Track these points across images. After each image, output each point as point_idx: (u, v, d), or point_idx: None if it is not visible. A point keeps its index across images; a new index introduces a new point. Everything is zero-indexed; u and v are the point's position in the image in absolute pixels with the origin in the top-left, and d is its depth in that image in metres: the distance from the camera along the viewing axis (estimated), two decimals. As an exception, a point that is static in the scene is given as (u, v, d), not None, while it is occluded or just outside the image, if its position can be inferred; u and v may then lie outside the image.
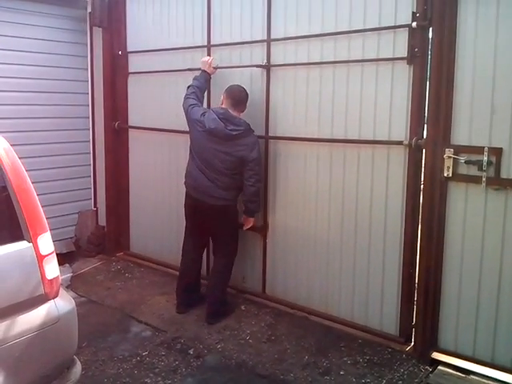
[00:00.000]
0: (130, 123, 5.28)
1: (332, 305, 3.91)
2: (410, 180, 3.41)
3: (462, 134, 3.14)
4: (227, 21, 4.28)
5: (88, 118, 5.57)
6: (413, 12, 3.23)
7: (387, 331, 3.63)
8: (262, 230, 4.24)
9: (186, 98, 4.09)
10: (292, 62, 3.90)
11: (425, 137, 3.31)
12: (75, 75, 5.41)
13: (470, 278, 3.20)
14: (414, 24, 3.21)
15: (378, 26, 3.43)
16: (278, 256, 4.20)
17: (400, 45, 3.34)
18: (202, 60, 4.25)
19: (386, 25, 3.39)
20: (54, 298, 2.56)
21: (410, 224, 3.44)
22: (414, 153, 3.36)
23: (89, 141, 5.61)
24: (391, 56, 3.39)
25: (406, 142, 3.36)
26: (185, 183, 4.09)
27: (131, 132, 5.30)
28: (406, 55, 3.30)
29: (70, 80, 5.36)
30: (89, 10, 5.30)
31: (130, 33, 5.16)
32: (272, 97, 4.05)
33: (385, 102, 3.46)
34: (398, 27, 3.34)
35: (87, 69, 5.49)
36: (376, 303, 3.67)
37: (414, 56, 3.27)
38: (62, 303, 2.61)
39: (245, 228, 4.14)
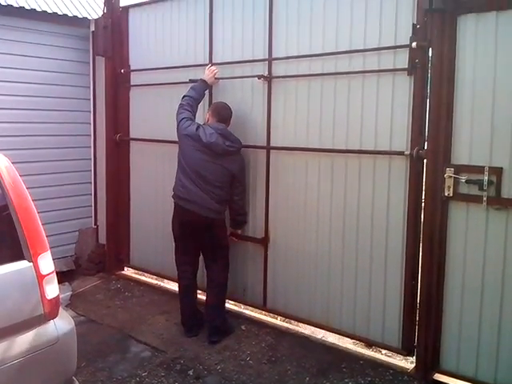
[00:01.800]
0: (132, 136, 5.30)
1: (333, 318, 3.88)
2: (411, 191, 3.40)
3: (462, 153, 3.15)
4: (229, 40, 4.33)
5: (90, 135, 5.60)
6: (412, 32, 3.26)
7: (389, 344, 3.60)
8: (263, 241, 4.23)
9: (181, 109, 4.07)
10: (293, 73, 3.94)
11: (426, 147, 3.30)
12: (77, 93, 5.46)
13: (472, 299, 3.18)
14: (414, 44, 3.24)
15: (378, 46, 3.47)
16: (279, 268, 4.18)
17: (400, 58, 3.37)
18: (207, 68, 4.28)
19: (387, 45, 3.43)
20: (53, 318, 2.55)
21: (411, 236, 3.43)
22: (415, 163, 3.36)
23: (90, 158, 5.63)
24: (392, 67, 3.42)
25: (407, 153, 3.36)
26: (174, 196, 4.06)
27: (132, 144, 5.31)
28: (406, 66, 3.33)
29: (71, 98, 5.41)
30: (92, 28, 5.38)
31: (133, 53, 5.21)
32: (273, 107, 4.07)
33: (386, 113, 3.47)
34: (398, 47, 3.38)
35: (89, 87, 5.54)
36: (378, 316, 3.64)
37: (415, 67, 3.29)
38: (62, 323, 2.59)
39: (234, 238, 4.30)
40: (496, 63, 2.97)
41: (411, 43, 3.26)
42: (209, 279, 4.12)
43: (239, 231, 4.32)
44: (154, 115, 5.04)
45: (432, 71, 3.23)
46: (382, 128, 3.50)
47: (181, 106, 4.10)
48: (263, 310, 4.34)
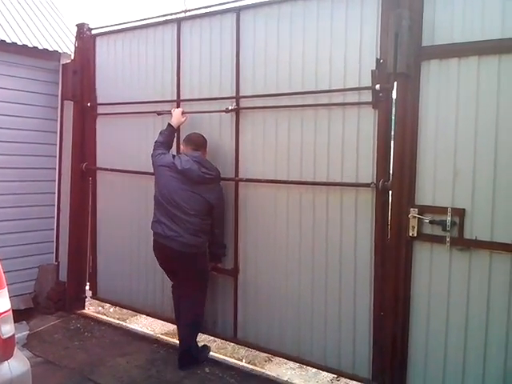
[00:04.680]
0: (99, 165, 5.21)
1: (304, 349, 3.83)
2: (377, 223, 3.43)
3: (426, 194, 3.22)
4: (196, 77, 4.33)
5: (54, 168, 5.49)
6: (372, 78, 3.33)
7: (360, 374, 3.56)
8: (233, 272, 4.19)
9: (154, 150, 4.15)
10: (261, 105, 3.96)
11: (391, 179, 3.36)
12: (43, 125, 5.36)
13: (437, 338, 3.19)
14: (378, 86, 3.31)
15: (343, 88, 3.53)
16: (250, 299, 4.13)
17: (365, 92, 3.44)
18: (172, 111, 4.30)
19: (351, 86, 3.49)
20: (7, 359, 2.43)
21: (379, 270, 3.43)
22: (380, 195, 3.40)
23: (54, 192, 5.50)
24: (357, 100, 3.49)
25: (373, 185, 3.41)
26: (153, 230, 4.06)
27: (99, 174, 5.22)
28: (371, 100, 3.39)
29: (37, 130, 5.31)
30: (62, 61, 5.36)
31: (100, 85, 5.15)
32: (241, 140, 4.08)
33: (351, 145, 3.52)
34: (362, 89, 3.44)
35: (56, 119, 5.45)
36: (348, 347, 3.61)
37: (379, 100, 3.36)
38: (16, 364, 2.47)
39: (215, 272, 4.23)
40: (458, 108, 3.08)
41: (374, 86, 3.33)
42: (182, 312, 4.10)
43: (219, 264, 4.23)
44: (121, 144, 4.97)
45: (396, 115, 3.32)
46: (348, 160, 3.55)
47: (154, 149, 4.17)
48: (234, 342, 4.31)
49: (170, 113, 4.33)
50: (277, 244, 3.94)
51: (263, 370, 4.08)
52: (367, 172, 3.47)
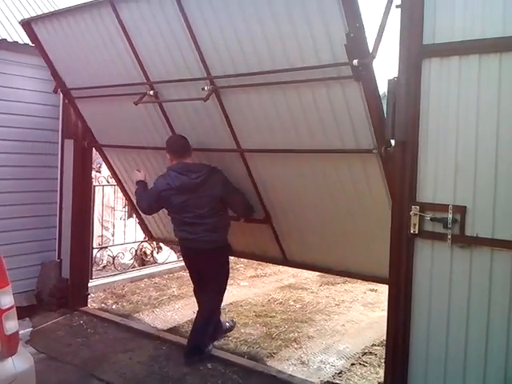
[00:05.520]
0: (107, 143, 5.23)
1: (346, 263, 4.23)
2: (390, 186, 3.54)
3: (427, 191, 3.21)
4: (158, 60, 4.14)
5: (56, 167, 5.50)
6: (346, 48, 3.19)
7: None
8: (267, 220, 4.45)
9: (142, 200, 4.31)
10: (237, 83, 3.82)
11: (393, 144, 3.37)
12: (45, 124, 5.40)
13: (438, 335, 3.19)
14: (355, 62, 3.18)
15: (318, 64, 3.41)
16: (289, 236, 4.49)
17: (343, 68, 3.32)
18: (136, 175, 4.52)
19: (326, 62, 3.37)
20: (11, 355, 2.45)
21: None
22: (386, 161, 3.47)
23: (56, 190, 5.52)
24: (336, 75, 3.39)
25: (375, 151, 3.44)
26: (177, 237, 4.31)
27: (110, 153, 5.32)
28: (351, 74, 3.27)
29: (38, 129, 5.34)
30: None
31: (62, 71, 4.94)
32: (232, 119, 4.04)
33: (344, 119, 3.52)
34: (339, 64, 3.32)
35: (58, 118, 5.47)
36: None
37: (360, 74, 3.26)
38: (20, 361, 2.49)
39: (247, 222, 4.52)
40: (459, 106, 3.06)
41: (351, 61, 3.19)
42: (200, 306, 4.31)
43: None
44: (112, 122, 4.93)
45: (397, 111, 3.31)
46: (345, 131, 3.57)
47: (140, 199, 4.34)
48: (285, 265, 4.95)
49: (144, 96, 4.24)
50: (296, 200, 4.17)
51: (265, 366, 4.10)
52: (367, 140, 3.51)
